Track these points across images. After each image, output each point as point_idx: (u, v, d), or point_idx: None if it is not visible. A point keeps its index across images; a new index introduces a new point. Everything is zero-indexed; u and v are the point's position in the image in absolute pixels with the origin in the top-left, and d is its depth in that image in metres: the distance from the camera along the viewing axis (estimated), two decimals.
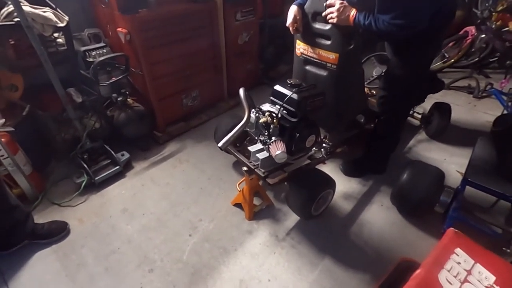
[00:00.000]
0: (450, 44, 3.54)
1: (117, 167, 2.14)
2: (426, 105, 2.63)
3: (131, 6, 2.04)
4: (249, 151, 1.68)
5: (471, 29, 3.39)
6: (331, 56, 1.63)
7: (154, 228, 1.80)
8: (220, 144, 1.52)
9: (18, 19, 1.60)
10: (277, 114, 1.57)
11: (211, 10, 2.52)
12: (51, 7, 1.86)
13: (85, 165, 2.04)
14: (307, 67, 1.82)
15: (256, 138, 1.71)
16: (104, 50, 2.15)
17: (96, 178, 2.04)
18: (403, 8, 1.33)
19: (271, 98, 1.68)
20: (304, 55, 1.79)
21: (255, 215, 1.87)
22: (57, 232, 1.73)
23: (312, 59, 1.75)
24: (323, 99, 1.61)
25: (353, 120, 2.12)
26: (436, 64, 3.55)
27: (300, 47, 1.79)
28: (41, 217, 1.82)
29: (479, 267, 1.01)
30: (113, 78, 2.10)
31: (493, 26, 3.22)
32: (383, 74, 2.23)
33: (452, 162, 2.28)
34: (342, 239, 1.75)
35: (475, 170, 1.60)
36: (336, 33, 1.57)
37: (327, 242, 1.72)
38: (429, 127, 2.52)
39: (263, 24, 3.23)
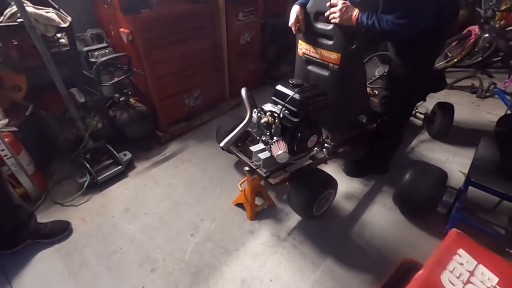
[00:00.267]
0: (453, 44, 3.52)
1: (119, 167, 2.15)
2: (429, 105, 2.62)
3: (133, 6, 2.04)
4: (251, 151, 1.68)
5: (475, 29, 3.37)
6: (333, 56, 1.63)
7: (156, 228, 1.81)
8: (222, 144, 1.52)
9: (21, 19, 1.61)
10: (279, 114, 1.57)
11: (213, 10, 2.52)
12: (54, 8, 1.86)
13: (87, 165, 2.05)
14: (309, 67, 1.82)
15: (258, 138, 1.71)
16: (107, 51, 2.15)
17: (99, 178, 2.05)
18: (407, 8, 1.33)
19: (273, 98, 1.68)
20: (306, 55, 1.79)
21: (256, 215, 1.87)
22: (60, 231, 1.73)
23: (314, 59, 1.74)
24: (325, 99, 1.61)
25: (355, 120, 2.12)
26: (439, 64, 3.54)
27: (302, 47, 1.79)
28: (44, 217, 1.83)
29: (482, 268, 1.00)
30: (115, 78, 2.11)
31: (497, 26, 3.20)
32: (385, 74, 2.22)
33: (455, 162, 2.27)
34: (344, 239, 1.75)
35: (478, 170, 1.59)
36: (338, 33, 1.57)
37: (329, 243, 1.72)
38: (432, 127, 2.50)
39: (265, 24, 3.23)
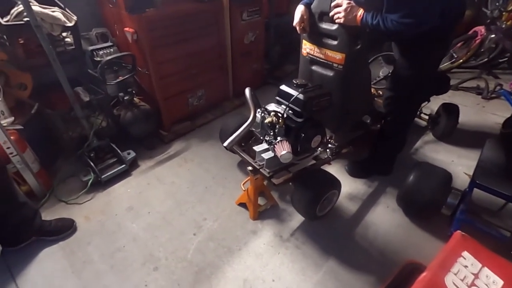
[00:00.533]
0: (459, 45, 3.49)
1: (123, 165, 2.16)
2: (434, 106, 2.60)
3: (138, 5, 2.05)
4: (254, 151, 1.68)
5: (481, 29, 3.34)
6: (338, 56, 1.62)
7: (159, 227, 1.82)
8: (225, 144, 1.52)
9: (27, 18, 1.63)
10: (282, 114, 1.57)
11: (217, 10, 2.53)
12: (59, 7, 1.88)
13: (91, 163, 2.06)
14: (313, 67, 1.81)
15: (261, 138, 1.71)
16: (112, 50, 2.16)
17: (103, 176, 2.06)
18: (412, 7, 1.32)
19: (277, 98, 1.67)
20: (310, 55, 1.78)
21: (259, 215, 1.87)
22: (64, 229, 1.75)
23: (319, 59, 1.74)
24: (329, 100, 1.61)
25: (359, 121, 2.11)
26: (444, 65, 3.51)
27: (307, 47, 1.79)
28: (49, 214, 1.85)
29: (486, 271, 0.99)
30: (120, 77, 2.12)
31: (503, 26, 3.17)
32: (390, 74, 2.21)
33: (459, 164, 2.25)
34: (347, 240, 1.74)
35: (483, 172, 1.57)
36: (343, 33, 1.56)
37: (331, 243, 1.71)
38: (437, 128, 2.48)
39: (269, 23, 3.23)
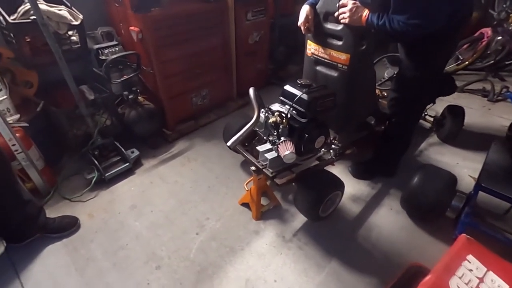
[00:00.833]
0: (465, 46, 3.47)
1: (127, 164, 2.17)
2: (439, 108, 2.58)
3: (144, 5, 2.06)
4: (258, 151, 1.68)
5: (487, 31, 3.32)
6: (342, 56, 1.62)
7: (162, 225, 1.82)
8: (229, 143, 1.52)
9: (34, 17, 1.64)
10: (286, 114, 1.56)
11: (222, 10, 2.53)
12: (66, 6, 1.89)
13: (95, 161, 2.07)
14: (318, 68, 1.81)
15: (265, 138, 1.71)
16: (117, 48, 2.17)
17: (106, 175, 2.07)
18: (419, 8, 1.31)
19: (281, 98, 1.67)
20: (315, 56, 1.78)
21: (262, 215, 1.86)
22: (68, 226, 1.76)
23: (323, 59, 1.73)
24: (333, 100, 1.60)
25: (363, 122, 2.10)
26: (450, 66, 3.49)
27: (311, 47, 1.78)
28: (53, 212, 1.86)
29: (491, 275, 0.98)
30: (124, 76, 2.13)
31: (510, 28, 3.14)
32: (395, 75, 2.20)
33: (465, 166, 2.23)
34: (350, 241, 1.73)
35: (489, 175, 1.56)
36: (348, 33, 1.55)
37: (334, 245, 1.70)
38: (442, 130, 2.47)
39: (274, 23, 3.22)
